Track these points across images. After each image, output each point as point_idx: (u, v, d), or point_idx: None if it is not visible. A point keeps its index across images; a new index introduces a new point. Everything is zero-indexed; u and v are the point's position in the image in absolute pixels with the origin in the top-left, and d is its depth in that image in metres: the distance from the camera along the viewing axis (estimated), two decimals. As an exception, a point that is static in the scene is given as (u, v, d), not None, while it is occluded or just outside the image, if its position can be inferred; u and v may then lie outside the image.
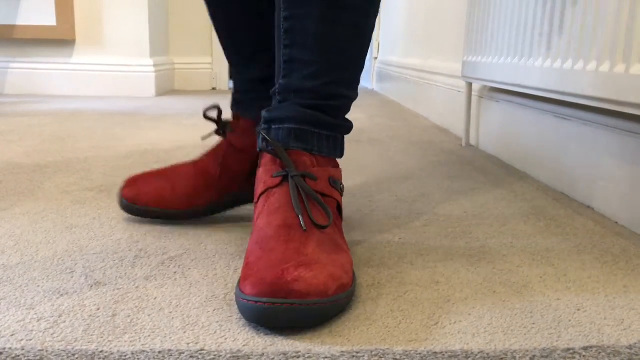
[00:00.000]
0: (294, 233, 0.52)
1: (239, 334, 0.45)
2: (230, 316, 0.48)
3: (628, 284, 0.57)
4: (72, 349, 0.42)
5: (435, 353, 0.43)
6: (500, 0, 1.16)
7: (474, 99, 1.43)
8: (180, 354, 0.42)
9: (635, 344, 0.45)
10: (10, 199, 0.84)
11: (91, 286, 0.54)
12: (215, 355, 0.42)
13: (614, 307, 0.52)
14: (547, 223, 0.78)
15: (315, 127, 0.61)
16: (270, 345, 0.43)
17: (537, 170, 1.05)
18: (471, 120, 1.44)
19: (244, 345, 0.43)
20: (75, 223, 0.74)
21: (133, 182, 0.74)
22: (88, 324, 0.46)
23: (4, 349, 0.42)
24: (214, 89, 3.07)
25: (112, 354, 0.42)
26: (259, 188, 0.59)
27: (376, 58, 3.36)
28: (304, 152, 0.60)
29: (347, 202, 0.86)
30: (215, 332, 0.45)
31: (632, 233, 0.74)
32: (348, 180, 1.01)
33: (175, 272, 0.58)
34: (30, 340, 0.43)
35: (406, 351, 0.43)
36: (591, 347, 0.44)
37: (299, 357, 0.42)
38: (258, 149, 0.62)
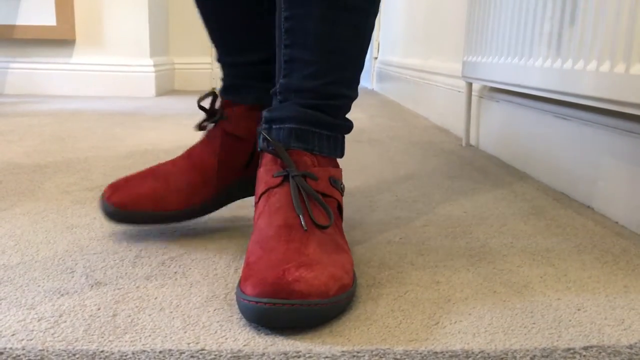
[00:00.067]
0: (294, 233, 0.52)
1: (239, 333, 0.45)
2: (231, 316, 0.48)
3: (628, 283, 0.57)
4: (73, 348, 0.42)
5: (436, 353, 0.43)
6: (500, 0, 1.16)
7: (474, 99, 1.43)
8: (181, 353, 0.42)
9: (636, 343, 0.45)
10: (10, 199, 0.84)
11: (92, 286, 0.54)
12: (215, 355, 0.42)
13: (614, 307, 0.52)
14: (548, 223, 0.78)
15: (315, 127, 0.61)
16: (271, 345, 0.43)
17: (537, 170, 1.05)
18: (471, 120, 1.44)
19: (244, 345, 0.43)
20: (76, 223, 0.74)
21: (118, 187, 0.67)
22: (89, 324, 0.46)
23: (5, 348, 0.42)
24: (214, 88, 3.07)
25: (112, 353, 0.42)
26: (260, 188, 0.59)
27: (376, 58, 3.36)
28: (304, 152, 0.60)
29: (347, 202, 0.86)
30: (216, 332, 0.45)
31: (633, 233, 0.74)
32: (348, 180, 1.01)
33: (175, 272, 0.58)
34: (31, 340, 0.43)
35: (407, 351, 0.43)
36: (591, 347, 0.44)
37: (299, 357, 0.42)
38: (259, 149, 0.62)
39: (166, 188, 0.67)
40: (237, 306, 0.50)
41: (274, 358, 0.42)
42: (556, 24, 0.90)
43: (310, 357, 0.42)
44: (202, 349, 0.43)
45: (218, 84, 3.06)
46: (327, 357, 0.42)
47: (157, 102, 2.31)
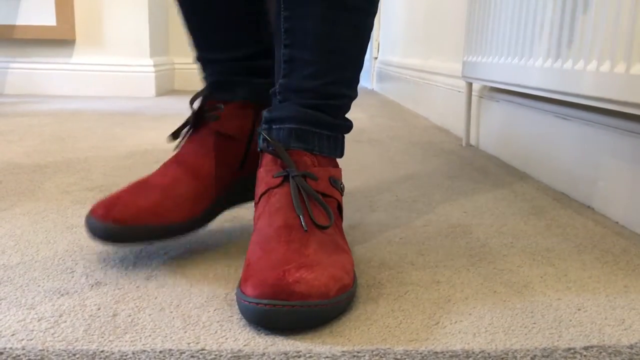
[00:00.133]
0: (295, 233, 0.52)
1: (239, 333, 0.45)
2: (231, 316, 0.48)
3: (629, 283, 0.57)
4: (73, 348, 0.42)
5: (436, 353, 0.43)
6: (500, 0, 1.16)
7: (474, 99, 1.43)
8: (181, 353, 0.42)
9: (636, 343, 0.45)
10: (10, 199, 0.84)
11: (92, 286, 0.54)
12: (216, 355, 0.42)
13: (614, 307, 0.52)
14: (548, 223, 0.78)
15: (316, 127, 0.61)
16: (271, 345, 0.43)
17: (537, 170, 1.05)
18: (471, 120, 1.44)
19: (244, 345, 0.43)
20: (76, 223, 0.73)
21: (112, 203, 0.58)
22: (89, 324, 0.46)
23: (5, 348, 0.42)
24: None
25: (112, 353, 0.42)
26: (260, 188, 0.59)
27: (376, 58, 3.36)
28: (304, 152, 0.60)
29: (347, 202, 0.86)
30: (216, 332, 0.45)
31: (633, 233, 0.74)
32: (348, 180, 1.01)
33: (175, 272, 0.58)
34: (31, 340, 0.43)
35: (407, 351, 0.43)
36: (592, 346, 0.44)
37: (299, 357, 0.42)
38: (259, 149, 0.62)
39: (166, 199, 0.61)
40: (237, 306, 0.50)
41: (274, 358, 0.42)
42: (556, 23, 0.90)
43: (310, 357, 0.42)
44: (203, 349, 0.43)
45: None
46: (327, 357, 0.42)
47: (157, 102, 2.31)
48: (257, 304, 0.44)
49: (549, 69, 0.91)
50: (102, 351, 0.42)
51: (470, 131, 1.44)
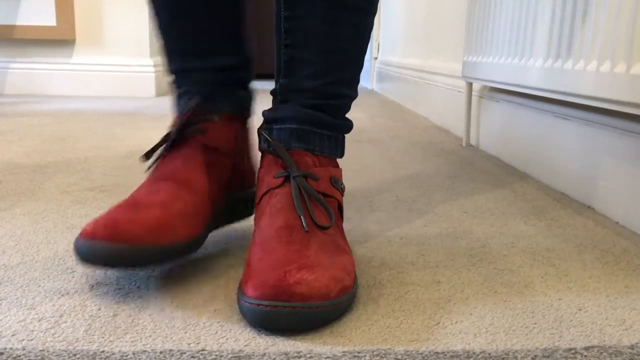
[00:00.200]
0: (295, 234, 0.52)
1: (240, 334, 0.45)
2: (232, 316, 0.48)
3: (629, 284, 0.57)
4: (73, 349, 0.42)
5: (437, 353, 0.43)
6: (500, 0, 1.16)
7: (474, 99, 1.43)
8: (182, 354, 0.42)
9: (637, 343, 0.45)
10: (10, 199, 0.84)
11: (92, 286, 0.54)
12: (216, 356, 0.42)
13: (615, 307, 0.52)
14: (548, 223, 0.78)
15: (316, 127, 0.61)
16: (272, 345, 0.43)
17: (537, 170, 1.05)
18: (471, 120, 1.44)
19: (245, 346, 0.43)
20: (76, 223, 0.73)
21: (111, 222, 0.51)
22: (89, 324, 0.46)
23: (5, 349, 0.42)
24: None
25: (113, 354, 0.42)
26: (261, 188, 0.59)
27: (376, 58, 3.36)
28: (305, 152, 0.60)
29: (348, 202, 0.86)
30: (217, 332, 0.45)
31: (633, 233, 0.74)
32: (348, 180, 1.01)
33: (175, 273, 0.58)
34: (31, 340, 0.43)
35: (407, 351, 0.43)
36: (593, 347, 0.44)
37: (300, 358, 0.42)
38: (259, 149, 0.62)
39: (169, 216, 0.54)
40: (237, 306, 0.50)
41: (274, 358, 0.42)
42: (556, 23, 0.90)
43: (311, 357, 0.42)
44: (203, 349, 0.43)
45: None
46: (328, 357, 0.42)
47: (157, 102, 2.31)
48: (258, 305, 0.44)
49: (549, 69, 0.91)
50: (102, 351, 0.42)
51: (471, 131, 1.44)
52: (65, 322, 0.47)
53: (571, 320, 0.49)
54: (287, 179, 0.57)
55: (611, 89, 0.73)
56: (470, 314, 0.50)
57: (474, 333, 0.46)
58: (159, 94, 2.64)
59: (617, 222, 0.78)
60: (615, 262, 0.63)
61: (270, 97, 0.66)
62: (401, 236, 0.71)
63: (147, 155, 0.61)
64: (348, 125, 0.65)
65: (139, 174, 1.02)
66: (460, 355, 0.43)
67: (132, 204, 0.54)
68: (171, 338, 0.44)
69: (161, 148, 0.62)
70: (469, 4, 1.35)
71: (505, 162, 1.20)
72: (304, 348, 0.43)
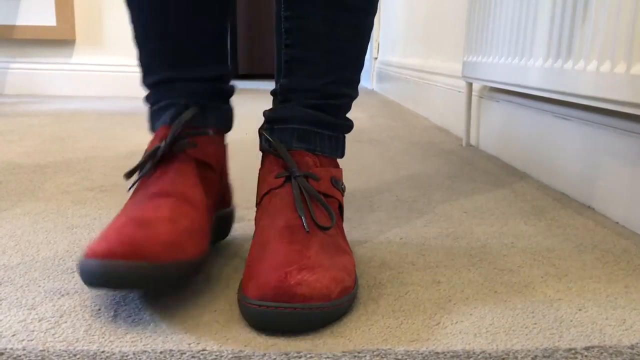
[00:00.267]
0: (296, 234, 0.52)
1: (240, 334, 0.45)
2: (232, 317, 0.48)
3: (629, 284, 0.57)
4: (74, 349, 0.42)
5: (437, 353, 0.43)
6: (500, 0, 1.16)
7: (474, 99, 1.43)
8: (182, 354, 0.42)
9: (637, 343, 0.45)
10: (10, 199, 0.84)
11: (92, 286, 0.54)
12: (216, 356, 0.42)
13: (615, 307, 0.52)
14: (548, 223, 0.78)
15: (317, 127, 0.61)
16: (272, 345, 0.43)
17: (537, 170, 1.05)
18: (471, 120, 1.44)
19: (245, 346, 0.43)
20: (76, 223, 0.73)
21: (125, 238, 0.46)
22: (89, 324, 0.46)
23: (6, 349, 0.42)
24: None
25: (113, 354, 0.42)
26: (262, 189, 0.59)
27: (376, 58, 3.36)
28: (306, 152, 0.60)
29: (348, 202, 0.86)
30: (217, 333, 0.45)
31: (633, 233, 0.74)
32: (348, 180, 1.01)
33: (176, 272, 0.58)
34: (32, 340, 0.43)
35: (408, 351, 0.43)
36: (593, 347, 0.44)
37: (300, 358, 0.42)
38: (260, 149, 0.62)
39: (181, 231, 0.50)
40: (238, 307, 0.50)
41: (275, 358, 0.42)
42: (556, 23, 0.90)
43: (311, 357, 0.42)
44: (203, 350, 0.43)
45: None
46: (328, 357, 0.42)
47: (157, 102, 2.30)
48: (259, 306, 0.44)
49: (549, 69, 0.91)
50: (102, 351, 0.42)
51: (471, 131, 1.44)
52: (66, 322, 0.47)
53: (571, 320, 0.49)
54: (288, 179, 0.57)
55: (611, 89, 0.73)
56: (471, 314, 0.50)
57: (474, 333, 0.46)
58: (159, 94, 2.64)
59: (617, 222, 0.78)
60: (616, 262, 0.63)
61: (271, 98, 0.66)
62: (401, 236, 0.71)
63: (131, 173, 0.56)
64: (349, 125, 0.65)
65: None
66: (460, 355, 0.43)
67: (136, 220, 0.49)
68: (171, 338, 0.44)
69: (149, 163, 0.57)
70: (469, 4, 1.35)
71: (505, 162, 1.20)
72: (304, 348, 0.43)
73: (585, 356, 0.43)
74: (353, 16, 0.61)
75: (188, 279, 0.52)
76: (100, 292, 0.52)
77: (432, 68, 1.94)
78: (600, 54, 0.76)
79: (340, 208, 0.61)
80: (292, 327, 0.45)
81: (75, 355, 0.42)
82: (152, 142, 0.58)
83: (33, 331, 0.45)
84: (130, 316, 0.48)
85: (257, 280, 0.46)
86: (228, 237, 0.69)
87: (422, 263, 0.62)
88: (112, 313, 0.48)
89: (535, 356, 0.43)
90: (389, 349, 0.43)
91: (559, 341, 0.45)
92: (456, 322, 0.48)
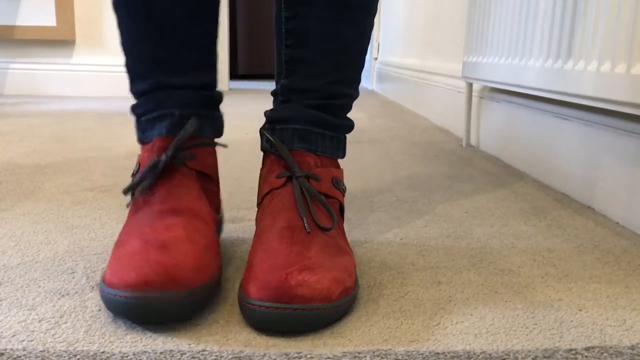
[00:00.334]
0: (297, 235, 0.52)
1: (240, 334, 0.45)
2: (232, 317, 0.48)
3: (630, 284, 0.57)
4: (74, 349, 0.42)
5: (437, 354, 0.43)
6: (500, 0, 1.16)
7: (474, 99, 1.43)
8: (182, 354, 0.42)
9: (638, 344, 0.45)
10: (10, 200, 0.84)
11: (92, 287, 0.54)
12: (217, 356, 0.42)
13: (615, 307, 0.52)
14: (548, 223, 0.78)
15: (319, 128, 0.61)
16: (272, 345, 0.43)
17: (538, 170, 1.05)
18: (471, 120, 1.44)
19: (245, 346, 0.43)
20: (76, 223, 0.73)
21: (157, 267, 0.45)
22: (89, 325, 0.46)
23: (6, 349, 0.42)
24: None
25: (113, 354, 0.42)
26: (263, 189, 0.59)
27: (376, 58, 3.36)
28: (308, 152, 0.60)
29: (348, 203, 0.86)
30: (217, 333, 0.45)
31: (633, 233, 0.74)
32: (348, 180, 1.01)
33: (176, 273, 0.58)
34: (32, 341, 0.43)
35: (408, 352, 0.43)
36: (593, 347, 0.44)
37: (300, 358, 0.42)
38: (261, 150, 0.62)
39: (201, 251, 0.49)
40: (238, 307, 0.50)
41: (275, 359, 0.42)
42: (557, 24, 0.90)
43: (311, 357, 0.42)
44: (204, 350, 0.43)
45: (218, 84, 3.06)
46: (328, 357, 0.42)
47: (157, 103, 2.30)
48: (260, 306, 0.44)
49: (550, 70, 0.91)
50: (103, 352, 0.42)
51: (471, 131, 1.44)
52: (66, 322, 0.47)
53: (572, 321, 0.49)
54: (289, 179, 0.57)
55: (611, 89, 0.73)
56: (471, 315, 0.50)
57: (475, 333, 0.46)
58: (159, 94, 2.64)
59: (617, 223, 0.78)
60: (616, 263, 0.63)
61: (271, 98, 0.66)
62: (401, 237, 0.71)
63: (129, 189, 0.55)
64: (349, 125, 0.65)
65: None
66: (460, 355, 0.43)
67: (154, 243, 0.47)
68: (171, 338, 0.44)
69: (149, 177, 0.55)
70: (469, 4, 1.35)
71: (506, 162, 1.20)
72: (304, 348, 0.43)
73: (586, 357, 0.43)
74: (353, 16, 0.61)
75: (211, 299, 0.51)
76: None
77: (432, 68, 1.94)
78: (601, 54, 0.76)
79: (341, 208, 0.61)
80: (293, 327, 0.45)
81: (75, 355, 0.42)
82: (147, 153, 0.57)
83: (33, 332, 0.45)
84: (130, 316, 0.48)
85: (258, 281, 0.46)
86: (228, 237, 0.69)
87: (422, 263, 0.62)
88: (111, 313, 0.48)
89: (536, 357, 0.43)
90: (389, 349, 0.43)
91: (559, 341, 0.45)
92: (456, 323, 0.48)
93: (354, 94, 0.64)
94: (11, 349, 0.42)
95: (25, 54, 2.52)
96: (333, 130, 0.62)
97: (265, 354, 0.42)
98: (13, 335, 0.44)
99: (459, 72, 1.55)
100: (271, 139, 0.59)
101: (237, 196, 0.88)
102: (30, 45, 2.52)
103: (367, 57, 3.43)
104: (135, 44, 0.59)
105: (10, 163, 1.09)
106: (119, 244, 0.51)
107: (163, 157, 0.55)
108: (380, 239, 0.70)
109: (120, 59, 2.55)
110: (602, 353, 0.44)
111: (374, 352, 0.43)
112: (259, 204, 0.60)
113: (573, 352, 0.44)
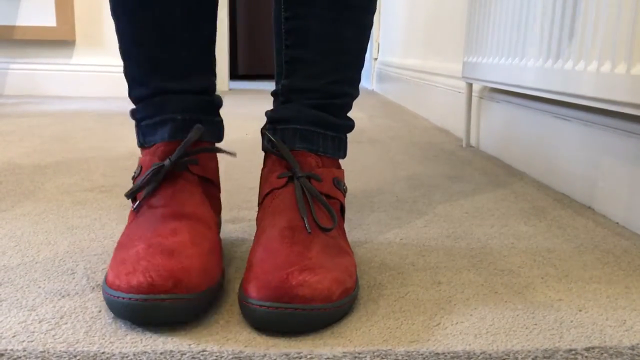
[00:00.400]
0: (298, 235, 0.52)
1: (240, 334, 0.45)
2: (232, 317, 0.48)
3: (630, 284, 0.57)
4: (74, 350, 0.42)
5: (437, 354, 0.43)
6: (500, 1, 1.16)
7: (474, 99, 1.43)
8: (182, 354, 0.42)
9: (638, 344, 0.45)
10: (10, 200, 0.84)
11: (93, 287, 0.54)
12: (217, 356, 0.42)
13: (615, 307, 0.52)
14: (548, 224, 0.78)
15: (320, 128, 0.61)
16: (272, 346, 0.43)
17: (538, 170, 1.05)
18: (471, 120, 1.44)
19: (245, 346, 0.43)
20: (76, 224, 0.73)
21: (163, 271, 0.45)
22: (90, 325, 0.46)
23: (6, 350, 0.42)
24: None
25: (113, 355, 0.42)
26: (264, 189, 0.59)
27: (376, 59, 3.36)
28: (309, 152, 0.60)
29: (348, 203, 0.86)
30: (217, 333, 0.45)
31: (633, 233, 0.74)
32: (349, 180, 1.01)
33: (176, 273, 0.58)
34: (32, 341, 0.43)
35: (408, 352, 0.43)
36: (593, 347, 0.44)
37: (300, 358, 0.42)
38: (263, 150, 0.62)
39: (205, 255, 0.50)
40: (238, 307, 0.50)
41: (275, 359, 0.42)
42: (557, 24, 0.90)
43: (311, 358, 0.42)
44: (204, 350, 0.43)
45: (218, 84, 3.06)
46: (328, 358, 0.42)
47: (157, 103, 2.30)
48: (260, 306, 0.44)
49: (550, 70, 0.91)
50: (103, 352, 0.42)
51: (471, 132, 1.44)
52: (66, 323, 0.47)
53: (572, 321, 0.49)
54: (290, 179, 0.57)
55: (611, 89, 0.73)
56: (471, 315, 0.50)
57: (475, 334, 0.46)
58: (159, 94, 2.64)
59: (617, 223, 0.78)
60: (616, 263, 0.63)
61: (271, 98, 0.66)
62: (401, 237, 0.71)
63: (133, 193, 0.56)
64: (350, 125, 0.65)
65: (139, 175, 1.02)
66: (460, 356, 0.43)
67: (159, 247, 0.48)
68: (171, 339, 0.44)
69: (152, 182, 0.55)
70: (469, 4, 1.35)
71: (506, 162, 1.20)
72: (304, 349, 0.43)
73: (586, 357, 0.43)
74: (353, 15, 0.61)
75: (215, 303, 0.51)
76: (100, 293, 0.52)
77: (432, 69, 1.94)
78: (601, 54, 0.76)
79: (342, 209, 0.61)
80: (293, 328, 0.45)
81: (75, 356, 0.42)
82: (149, 157, 0.57)
83: (33, 332, 0.45)
84: (130, 317, 0.48)
85: (258, 281, 0.46)
86: (229, 237, 0.69)
87: (422, 264, 0.62)
88: (112, 314, 0.48)
89: (536, 357, 0.43)
90: (389, 349, 0.43)
91: (559, 342, 0.45)
92: (456, 323, 0.48)
93: (354, 93, 0.64)
94: (11, 350, 0.42)
95: (25, 54, 2.52)
96: (334, 131, 0.62)
97: (265, 354, 0.42)
98: (13, 336, 0.44)
99: (459, 73, 1.56)
100: (273, 139, 0.59)
101: (237, 196, 0.88)
102: (30, 46, 2.52)
103: (367, 57, 3.43)
104: (134, 47, 0.59)
105: (10, 163, 1.09)
106: (121, 246, 0.51)
107: (167, 162, 0.55)
108: (380, 239, 0.70)
109: (119, 59, 2.55)
110: (602, 353, 0.44)
111: (374, 353, 0.43)
112: (259, 204, 0.60)
113: (573, 352, 0.44)
